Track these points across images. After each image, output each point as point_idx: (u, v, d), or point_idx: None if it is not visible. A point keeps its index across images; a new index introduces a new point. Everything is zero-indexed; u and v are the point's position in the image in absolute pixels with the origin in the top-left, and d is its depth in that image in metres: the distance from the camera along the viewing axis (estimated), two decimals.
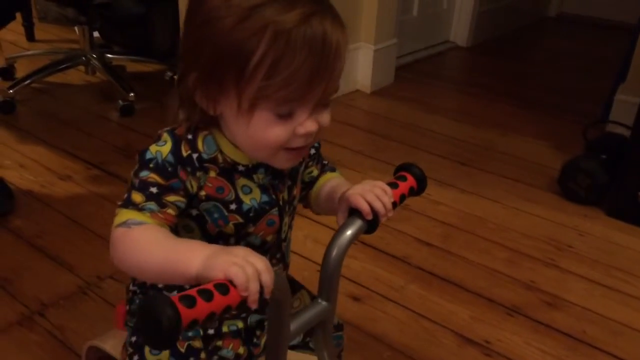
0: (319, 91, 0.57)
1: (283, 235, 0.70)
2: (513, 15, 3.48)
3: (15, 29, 2.16)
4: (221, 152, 0.63)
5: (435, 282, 1.40)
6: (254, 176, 0.64)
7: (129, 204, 0.59)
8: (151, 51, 2.43)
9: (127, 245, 0.57)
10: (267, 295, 0.50)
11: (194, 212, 0.64)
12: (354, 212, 0.65)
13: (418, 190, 0.70)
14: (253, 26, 0.54)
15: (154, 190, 0.60)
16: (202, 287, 0.48)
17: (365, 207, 0.64)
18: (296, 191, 0.70)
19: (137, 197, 0.59)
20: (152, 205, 0.59)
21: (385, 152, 1.99)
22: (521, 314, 1.32)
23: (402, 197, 0.68)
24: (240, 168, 0.63)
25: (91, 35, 2.27)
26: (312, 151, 0.74)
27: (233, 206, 0.63)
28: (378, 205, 0.64)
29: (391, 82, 2.58)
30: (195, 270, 0.51)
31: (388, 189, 0.66)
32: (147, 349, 0.69)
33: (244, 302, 0.49)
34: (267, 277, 0.50)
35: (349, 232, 0.63)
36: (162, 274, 0.56)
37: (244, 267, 0.49)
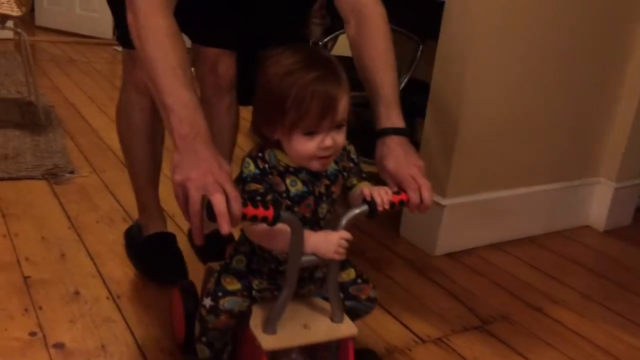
0: (329, 121, 0.93)
1: (321, 216, 1.03)
2: None
3: None
4: (279, 161, 0.98)
5: None
6: (299, 175, 0.99)
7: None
8: None
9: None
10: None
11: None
12: (364, 201, 1.01)
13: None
14: (286, 83, 0.92)
15: (258, 198, 0.96)
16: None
17: (367, 194, 1.01)
18: (334, 189, 1.03)
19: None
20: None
21: (618, 303, 1.69)
22: None
23: (401, 202, 1.02)
24: (291, 169, 0.99)
25: None
26: (351, 164, 1.06)
27: (284, 194, 0.99)
28: (378, 197, 1.00)
29: (629, 223, 2.27)
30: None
31: (389, 190, 1.02)
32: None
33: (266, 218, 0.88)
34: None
35: (356, 210, 1.01)
36: None
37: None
